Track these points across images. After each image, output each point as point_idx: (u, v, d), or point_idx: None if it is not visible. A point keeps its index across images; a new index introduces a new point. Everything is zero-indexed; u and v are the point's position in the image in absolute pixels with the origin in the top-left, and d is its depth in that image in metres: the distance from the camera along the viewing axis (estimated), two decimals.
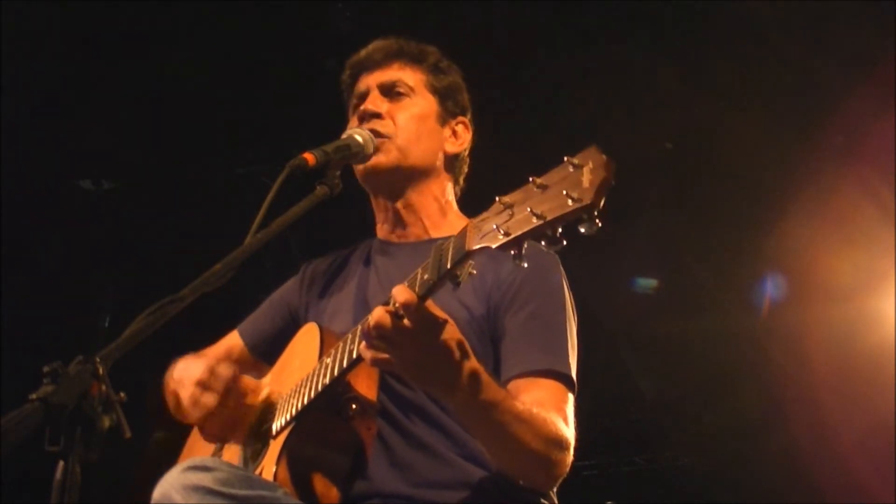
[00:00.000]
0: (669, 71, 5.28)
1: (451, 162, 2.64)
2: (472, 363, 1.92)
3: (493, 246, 1.63)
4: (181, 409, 2.46)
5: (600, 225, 1.51)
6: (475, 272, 1.77)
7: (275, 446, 2.19)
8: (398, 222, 2.57)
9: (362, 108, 2.56)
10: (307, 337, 2.38)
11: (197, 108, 5.39)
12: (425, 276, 1.81)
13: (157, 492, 2.00)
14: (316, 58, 5.02)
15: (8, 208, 5.41)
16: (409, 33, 2.72)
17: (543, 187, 1.58)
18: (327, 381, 2.10)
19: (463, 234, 1.74)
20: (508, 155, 5.02)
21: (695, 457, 7.54)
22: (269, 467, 2.15)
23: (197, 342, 2.75)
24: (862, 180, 5.64)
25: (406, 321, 1.82)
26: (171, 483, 1.98)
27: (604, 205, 1.51)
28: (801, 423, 6.67)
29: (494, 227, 1.63)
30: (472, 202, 2.43)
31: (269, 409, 2.36)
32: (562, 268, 2.42)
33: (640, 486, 7.81)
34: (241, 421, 2.45)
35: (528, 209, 1.57)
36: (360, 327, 2.04)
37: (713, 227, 6.07)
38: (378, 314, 1.84)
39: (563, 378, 2.24)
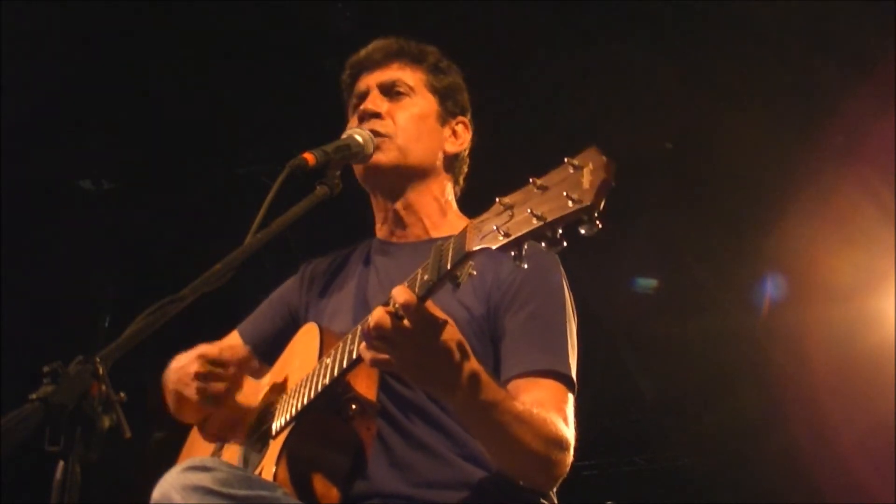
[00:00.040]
0: (669, 71, 5.28)
1: (451, 162, 2.64)
2: (472, 364, 1.92)
3: (493, 247, 1.63)
4: (183, 409, 2.47)
5: (600, 226, 1.51)
6: (475, 273, 1.77)
7: (274, 446, 2.19)
8: (398, 222, 2.57)
9: (362, 107, 2.56)
10: (307, 337, 2.38)
11: (197, 108, 5.38)
12: (425, 277, 1.81)
13: (157, 492, 2.00)
14: (316, 58, 5.02)
15: (8, 208, 5.41)
16: (409, 33, 2.72)
17: (543, 188, 1.58)
18: (327, 381, 2.10)
19: (463, 234, 1.74)
20: (508, 155, 5.03)
21: (695, 457, 7.54)
22: (268, 467, 2.15)
23: (197, 342, 2.75)
24: (862, 180, 5.64)
25: (406, 322, 1.82)
26: (170, 483, 1.98)
27: (604, 205, 1.51)
28: (801, 423, 6.67)
29: (494, 227, 1.63)
30: (472, 202, 2.43)
31: (268, 409, 2.36)
32: (562, 268, 2.42)
33: (640, 486, 7.80)
34: (240, 421, 2.45)
35: (529, 210, 1.57)
36: (359, 328, 2.04)
37: (713, 227, 6.07)
38: (378, 315, 1.84)
39: (563, 378, 2.24)
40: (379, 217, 2.63)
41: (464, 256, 1.72)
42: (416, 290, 1.82)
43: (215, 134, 5.63)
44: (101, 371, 1.43)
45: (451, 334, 1.87)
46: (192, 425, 2.62)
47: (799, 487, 6.74)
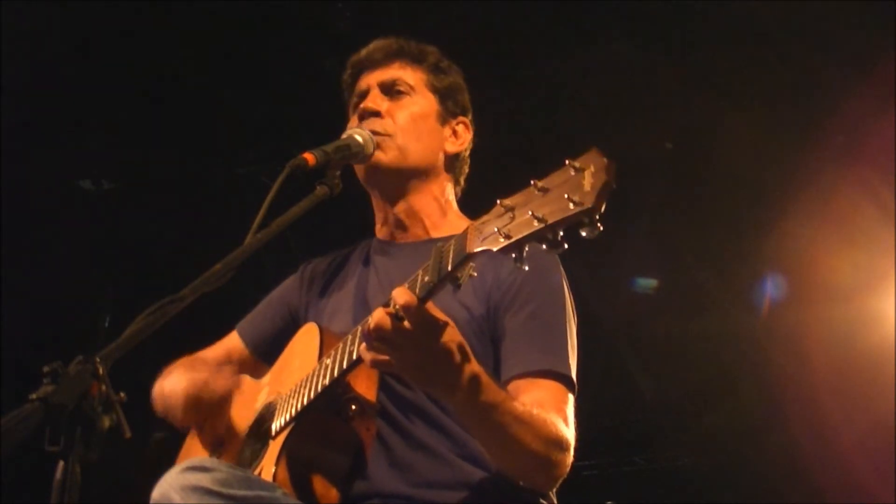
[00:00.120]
0: (669, 71, 5.27)
1: (452, 161, 2.64)
2: (473, 365, 1.92)
3: (495, 249, 1.63)
4: (175, 419, 2.49)
5: (602, 229, 1.51)
6: (475, 274, 1.77)
7: (274, 447, 2.19)
8: (398, 223, 2.57)
9: (362, 105, 2.56)
10: (307, 337, 2.38)
11: (197, 108, 5.38)
12: (426, 278, 1.81)
13: (156, 492, 2.00)
14: (316, 58, 5.02)
15: (8, 208, 5.41)
16: (409, 33, 2.72)
17: (545, 190, 1.58)
18: (327, 382, 2.09)
19: (464, 236, 1.73)
20: (507, 154, 5.03)
21: (695, 457, 7.53)
22: (268, 468, 2.15)
23: (197, 342, 2.75)
24: (862, 180, 5.64)
25: (406, 323, 1.82)
26: (170, 483, 1.98)
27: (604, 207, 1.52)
28: (801, 423, 6.66)
29: (495, 229, 1.62)
30: (472, 202, 2.43)
31: (268, 409, 2.35)
32: (562, 268, 2.42)
33: (640, 486, 7.79)
34: (240, 421, 2.45)
35: (530, 212, 1.57)
36: (360, 328, 2.04)
37: (713, 227, 6.06)
38: (378, 316, 1.84)
39: (563, 378, 2.24)
40: (379, 217, 2.63)
41: (465, 258, 1.72)
42: (417, 291, 1.82)
43: (215, 134, 5.63)
44: (101, 371, 1.43)
45: (452, 336, 1.87)
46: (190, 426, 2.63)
47: (799, 487, 6.73)
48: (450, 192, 2.63)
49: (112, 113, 5.35)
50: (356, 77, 2.68)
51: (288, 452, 2.14)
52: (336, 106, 2.77)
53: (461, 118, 2.67)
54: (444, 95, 2.64)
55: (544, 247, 1.57)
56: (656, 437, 7.60)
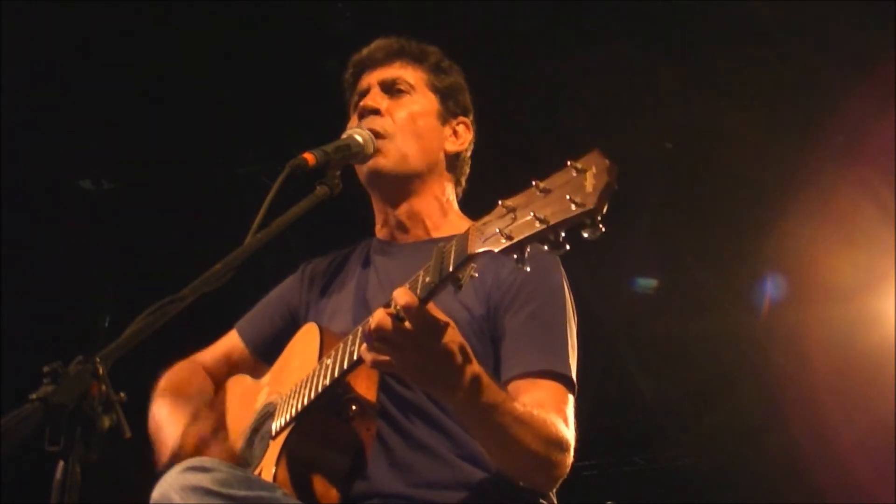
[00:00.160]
0: (669, 71, 5.27)
1: (452, 161, 2.64)
2: (473, 366, 1.92)
3: (496, 250, 1.63)
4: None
5: (603, 230, 1.51)
6: (476, 274, 1.77)
7: (274, 447, 2.19)
8: (399, 225, 2.57)
9: (362, 103, 2.57)
10: (307, 337, 2.38)
11: (197, 108, 5.38)
12: (427, 279, 1.81)
13: (156, 492, 2.00)
14: (316, 58, 5.02)
15: (8, 208, 5.41)
16: (409, 33, 2.72)
17: (546, 191, 1.57)
18: (327, 382, 2.09)
19: (465, 236, 1.73)
20: (507, 154, 5.03)
21: (695, 457, 7.53)
22: (268, 468, 2.15)
23: (197, 342, 2.75)
24: (862, 180, 5.64)
25: (407, 324, 1.82)
26: (169, 483, 1.98)
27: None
28: (801, 423, 6.66)
29: (497, 230, 1.62)
30: (473, 203, 2.43)
31: (268, 409, 2.35)
32: (562, 268, 2.42)
33: (640, 486, 7.79)
34: (240, 421, 2.45)
35: (532, 213, 1.56)
36: (360, 329, 2.04)
37: (713, 227, 6.06)
38: (379, 316, 1.84)
39: (563, 379, 2.24)
40: (379, 218, 2.63)
41: (466, 259, 1.72)
42: (418, 291, 1.82)
43: (215, 134, 5.63)
44: (101, 371, 1.43)
45: (453, 336, 1.87)
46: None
47: (799, 487, 6.73)
48: (450, 193, 2.63)
49: (112, 113, 5.35)
50: (357, 76, 2.68)
51: (288, 453, 2.14)
52: (336, 106, 2.77)
53: (462, 118, 2.67)
54: (445, 95, 2.64)
55: (546, 248, 1.57)
56: (656, 437, 7.60)
